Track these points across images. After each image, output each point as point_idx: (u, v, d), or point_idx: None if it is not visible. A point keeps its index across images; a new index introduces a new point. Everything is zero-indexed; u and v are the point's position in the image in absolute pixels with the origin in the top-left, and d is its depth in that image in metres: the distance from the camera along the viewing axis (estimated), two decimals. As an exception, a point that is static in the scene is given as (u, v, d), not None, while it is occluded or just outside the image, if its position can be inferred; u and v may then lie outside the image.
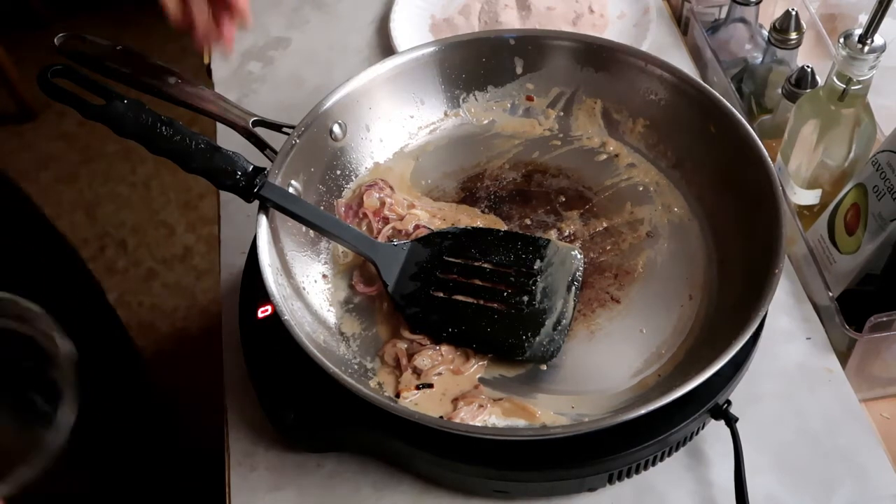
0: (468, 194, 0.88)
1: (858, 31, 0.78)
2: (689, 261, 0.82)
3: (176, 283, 2.01)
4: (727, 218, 0.82)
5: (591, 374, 0.75)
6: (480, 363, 0.76)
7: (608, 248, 0.83)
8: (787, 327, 0.84)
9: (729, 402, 0.72)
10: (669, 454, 0.74)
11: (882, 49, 0.77)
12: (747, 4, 1.00)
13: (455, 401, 0.73)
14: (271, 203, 0.76)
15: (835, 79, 0.80)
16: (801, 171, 0.88)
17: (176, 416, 1.66)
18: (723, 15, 1.08)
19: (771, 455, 0.76)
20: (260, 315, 0.78)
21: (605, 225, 0.85)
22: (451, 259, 0.79)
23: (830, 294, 0.82)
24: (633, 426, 0.66)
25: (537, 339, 0.75)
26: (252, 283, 0.79)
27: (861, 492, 0.74)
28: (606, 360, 0.76)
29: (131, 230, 2.12)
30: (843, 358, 0.81)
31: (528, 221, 0.86)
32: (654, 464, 0.73)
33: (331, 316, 0.80)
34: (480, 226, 0.85)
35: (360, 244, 0.79)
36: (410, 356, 0.76)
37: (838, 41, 0.78)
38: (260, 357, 0.78)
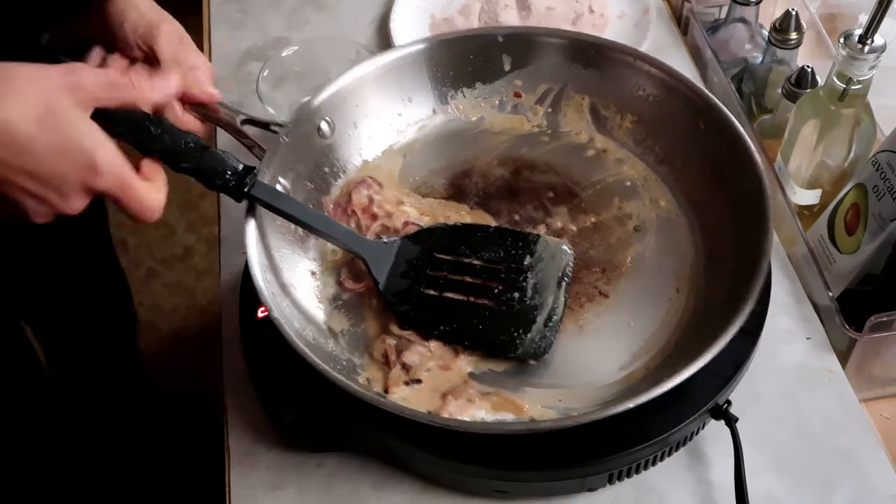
0: (457, 191, 0.88)
1: (858, 31, 0.78)
2: (676, 255, 0.82)
3: (176, 283, 2.01)
4: (715, 213, 0.82)
5: (579, 367, 0.75)
6: (469, 358, 0.76)
7: (596, 242, 0.83)
8: (787, 327, 0.84)
9: (729, 402, 0.72)
10: (669, 454, 0.74)
11: (882, 49, 0.78)
12: (747, 4, 1.00)
13: (444, 396, 0.73)
14: (262, 202, 0.75)
15: (835, 79, 0.80)
16: (801, 171, 0.88)
17: (175, 415, 1.66)
18: (723, 15, 1.08)
19: (771, 455, 0.76)
20: (260, 315, 0.78)
21: (593, 220, 0.85)
22: (441, 256, 0.79)
23: (830, 294, 0.82)
24: (633, 426, 0.66)
25: (529, 335, 0.75)
26: (252, 283, 0.78)
27: (861, 492, 0.74)
28: (595, 354, 0.76)
29: (131, 230, 2.11)
30: (843, 358, 0.81)
31: (516, 217, 0.85)
32: (654, 464, 0.73)
33: (319, 313, 0.80)
34: (469, 222, 0.84)
35: (349, 242, 0.78)
36: (399, 352, 0.75)
37: (838, 41, 0.78)
38: (260, 357, 0.77)
